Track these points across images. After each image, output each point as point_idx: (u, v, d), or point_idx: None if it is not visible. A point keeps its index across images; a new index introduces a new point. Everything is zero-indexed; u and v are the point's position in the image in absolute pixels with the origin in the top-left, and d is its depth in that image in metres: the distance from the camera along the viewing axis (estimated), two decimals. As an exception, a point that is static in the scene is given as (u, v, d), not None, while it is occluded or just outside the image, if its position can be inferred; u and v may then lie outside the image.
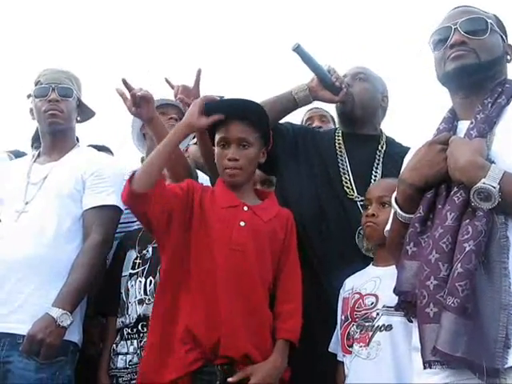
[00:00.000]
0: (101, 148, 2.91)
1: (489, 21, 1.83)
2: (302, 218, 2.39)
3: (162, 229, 2.14)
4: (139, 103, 2.35)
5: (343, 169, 2.52)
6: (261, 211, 2.23)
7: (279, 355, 2.11)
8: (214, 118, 2.21)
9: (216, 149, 2.27)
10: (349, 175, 2.50)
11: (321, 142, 2.62)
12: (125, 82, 2.32)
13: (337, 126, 2.84)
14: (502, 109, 1.76)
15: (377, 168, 2.52)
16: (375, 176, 2.50)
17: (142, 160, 2.93)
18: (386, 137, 2.65)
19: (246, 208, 2.21)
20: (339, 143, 2.60)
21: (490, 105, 1.77)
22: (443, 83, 1.90)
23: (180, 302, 2.11)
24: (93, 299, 2.54)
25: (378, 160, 2.54)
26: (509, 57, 1.89)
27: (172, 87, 2.43)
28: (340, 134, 2.64)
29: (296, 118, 3.02)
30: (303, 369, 2.21)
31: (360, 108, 2.59)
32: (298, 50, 2.47)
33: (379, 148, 2.59)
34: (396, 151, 2.50)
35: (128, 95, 2.34)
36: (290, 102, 2.56)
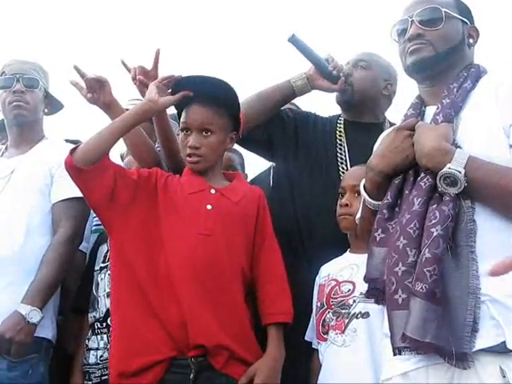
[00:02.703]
0: (75, 142, 2.84)
1: (443, 9, 1.81)
2: (296, 205, 2.41)
3: (101, 207, 2.09)
4: (94, 88, 2.25)
5: (341, 156, 2.50)
6: (229, 193, 2.17)
7: (274, 345, 2.06)
8: (176, 97, 2.14)
9: (180, 134, 2.20)
10: (346, 163, 2.48)
11: (322, 128, 2.60)
12: (77, 69, 2.23)
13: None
14: (468, 93, 1.76)
15: None
16: None
17: (121, 156, 2.88)
18: (391, 124, 2.56)
19: (213, 191, 2.14)
20: (340, 130, 2.57)
21: (455, 90, 1.77)
22: (407, 75, 1.91)
23: (141, 290, 2.04)
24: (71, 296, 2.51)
25: None
26: (472, 40, 1.88)
27: (128, 70, 2.31)
28: (342, 121, 2.61)
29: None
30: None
31: (359, 96, 2.54)
32: (292, 39, 2.43)
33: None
34: None
35: (82, 84, 2.26)
36: (289, 91, 2.53)
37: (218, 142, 2.16)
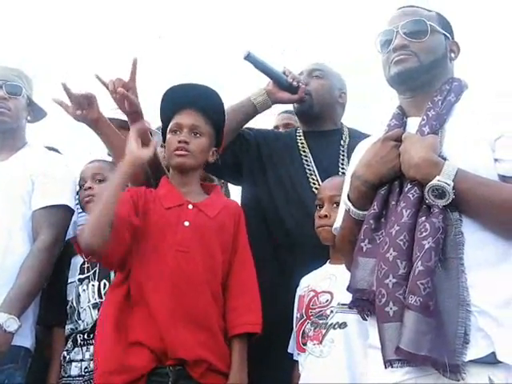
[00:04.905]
0: (49, 149, 2.82)
1: (428, 22, 1.84)
2: (278, 223, 2.42)
3: (121, 265, 2.10)
4: (83, 106, 2.23)
5: (309, 167, 2.52)
6: (206, 207, 2.19)
7: (237, 367, 2.07)
8: (153, 146, 2.16)
9: (168, 136, 2.22)
10: (315, 173, 2.50)
11: (283, 144, 2.62)
12: (64, 87, 2.21)
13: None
14: (452, 106, 1.79)
15: (343, 162, 2.53)
16: (343, 169, 2.49)
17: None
18: (348, 129, 2.65)
19: (190, 206, 2.16)
20: (302, 142, 2.60)
21: (440, 102, 1.79)
22: (390, 85, 1.92)
23: (126, 306, 2.06)
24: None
25: (343, 153, 2.56)
26: (453, 54, 1.91)
27: (104, 84, 2.23)
28: (301, 133, 2.65)
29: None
30: (263, 373, 2.20)
31: (318, 104, 2.59)
32: (248, 57, 2.47)
33: (341, 142, 2.61)
34: (360, 141, 2.50)
35: (68, 101, 2.23)
36: (250, 108, 2.55)
37: (205, 146, 2.21)
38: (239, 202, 2.65)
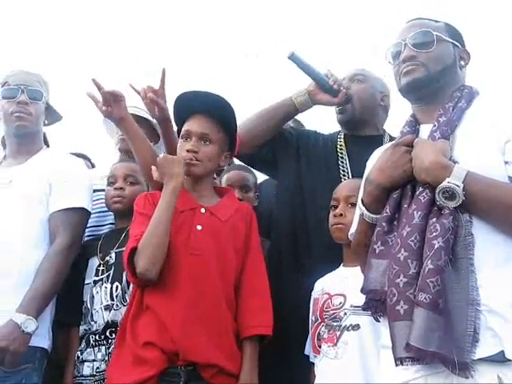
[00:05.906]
0: (78, 156, 2.87)
1: (435, 33, 1.89)
2: (301, 221, 2.47)
3: None
4: (109, 101, 2.30)
5: (343, 171, 2.55)
6: (219, 211, 2.22)
7: (248, 369, 2.10)
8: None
9: (179, 141, 2.27)
10: (348, 176, 2.52)
11: (323, 146, 2.66)
12: (95, 81, 2.29)
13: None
14: (463, 112, 1.83)
15: None
16: None
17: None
18: (390, 137, 2.64)
19: (203, 210, 2.20)
20: (341, 146, 2.63)
21: (451, 109, 1.83)
22: (401, 95, 1.97)
23: (142, 310, 2.10)
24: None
25: None
26: (463, 62, 1.95)
27: (136, 91, 2.39)
28: (342, 137, 2.67)
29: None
30: (280, 374, 2.25)
31: (359, 109, 2.62)
32: (292, 57, 2.52)
33: None
34: None
35: (99, 97, 2.31)
36: (291, 108, 2.61)
37: (214, 153, 2.24)
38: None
